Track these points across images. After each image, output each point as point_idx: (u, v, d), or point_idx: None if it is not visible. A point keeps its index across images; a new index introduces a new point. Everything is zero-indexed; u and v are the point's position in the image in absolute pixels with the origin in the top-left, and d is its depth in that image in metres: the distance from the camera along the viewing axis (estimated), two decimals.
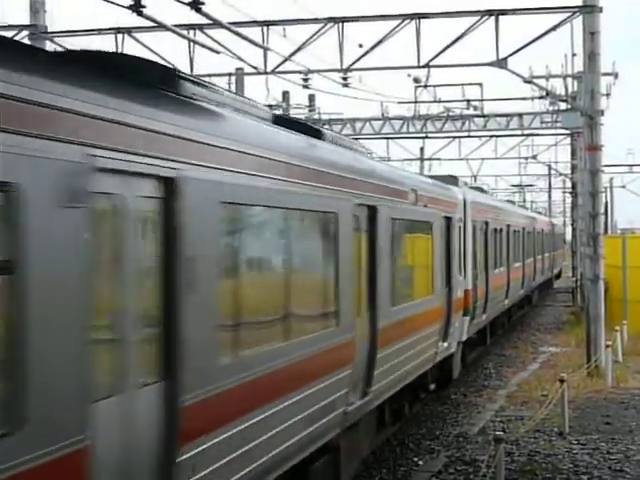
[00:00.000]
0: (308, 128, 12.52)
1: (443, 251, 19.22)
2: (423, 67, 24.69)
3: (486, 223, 27.51)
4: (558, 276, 72.76)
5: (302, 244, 10.56)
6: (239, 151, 8.57)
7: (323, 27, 23.73)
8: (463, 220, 22.66)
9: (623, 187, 70.69)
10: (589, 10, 23.22)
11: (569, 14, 23.29)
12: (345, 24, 23.81)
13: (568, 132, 45.04)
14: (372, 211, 13.29)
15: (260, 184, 8.96)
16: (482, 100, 38.76)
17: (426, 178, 21.72)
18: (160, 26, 19.74)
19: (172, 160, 7.30)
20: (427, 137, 43.41)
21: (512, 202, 51.44)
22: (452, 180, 24.10)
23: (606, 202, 58.25)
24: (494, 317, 30.30)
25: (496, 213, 30.54)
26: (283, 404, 9.52)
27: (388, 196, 14.16)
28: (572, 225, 53.56)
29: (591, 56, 23.65)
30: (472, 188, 30.87)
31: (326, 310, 11.25)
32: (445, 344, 19.41)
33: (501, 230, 31.35)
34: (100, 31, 23.57)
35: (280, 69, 24.78)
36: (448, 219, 19.90)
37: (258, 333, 9.12)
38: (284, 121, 11.61)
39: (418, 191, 16.51)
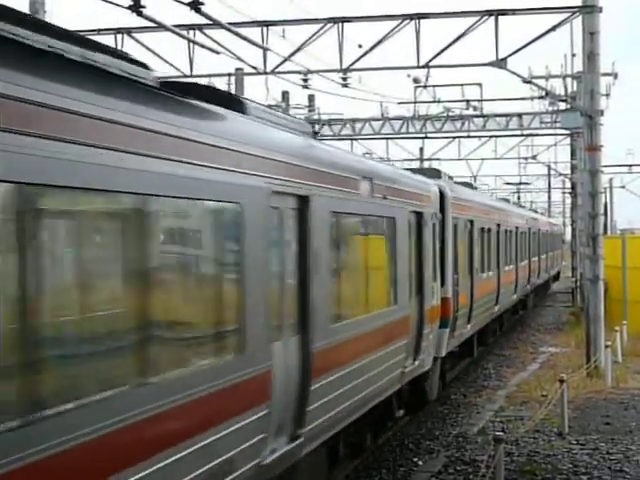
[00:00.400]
0: (222, 98, 9.99)
1: (411, 253, 16.40)
2: (423, 67, 24.68)
3: (471, 221, 24.75)
4: (556, 278, 70.62)
5: (172, 244, 7.84)
6: (36, 103, 5.85)
7: (323, 27, 23.73)
8: (441, 217, 19.95)
9: (623, 187, 70.70)
10: (589, 10, 23.23)
11: (569, 14, 23.29)
12: (345, 24, 23.81)
13: (568, 132, 45.02)
14: (302, 202, 10.52)
15: (84, 157, 6.24)
16: (482, 100, 38.79)
17: (387, 165, 18.72)
18: (160, 26, 19.71)
19: None
20: (427, 137, 43.36)
21: (507, 200, 48.30)
22: (435, 173, 22.26)
23: (606, 202, 58.28)
24: (483, 326, 27.76)
25: (484, 211, 27.80)
26: (140, 473, 6.77)
27: (328, 184, 11.42)
28: (572, 225, 53.58)
29: (590, 56, 23.65)
30: (459, 184, 28.05)
31: (218, 336, 8.28)
32: (416, 362, 16.61)
33: (489, 230, 28.61)
34: (100, 31, 23.58)
35: (280, 69, 24.77)
36: (419, 215, 17.06)
37: (73, 373, 6.21)
38: (179, 87, 9.27)
39: (374, 180, 13.76)
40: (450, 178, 25.65)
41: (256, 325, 8.97)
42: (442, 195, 20.31)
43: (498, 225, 30.92)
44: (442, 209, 20.14)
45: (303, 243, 10.53)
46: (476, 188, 33.69)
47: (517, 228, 37.52)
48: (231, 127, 9.15)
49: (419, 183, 17.83)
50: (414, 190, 16.87)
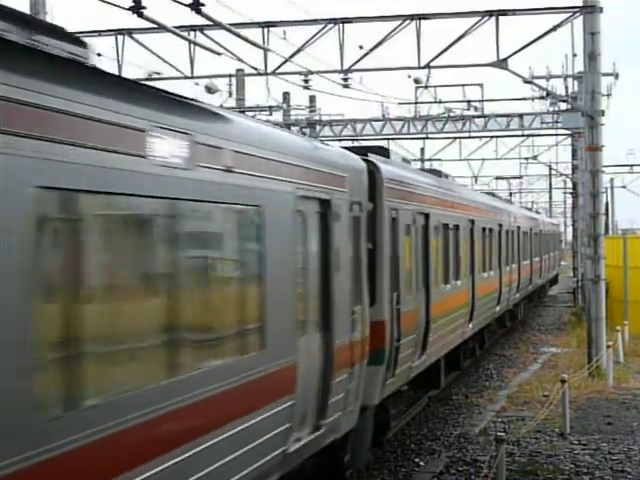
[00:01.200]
0: None
1: (307, 264, 10.80)
2: (423, 68, 24.71)
3: (425, 215, 18.50)
4: (554, 281, 65.90)
5: None
6: None
7: (323, 28, 23.74)
8: (371, 208, 14.26)
9: (624, 187, 70.74)
10: (589, 10, 23.24)
11: (569, 14, 23.31)
12: (345, 25, 23.82)
13: (569, 132, 45.07)
14: None
15: None
16: (482, 101, 38.86)
17: (241, 116, 11.04)
18: (161, 27, 19.72)
19: None
20: (428, 138, 43.48)
21: (493, 195, 41.71)
22: (382, 152, 16.89)
23: (607, 202, 58.28)
24: (450, 350, 21.49)
25: (448, 203, 21.36)
26: None
27: (32, 131, 5.71)
28: (573, 225, 53.55)
29: (591, 56, 23.67)
30: (427, 171, 22.64)
31: None
32: (320, 429, 11.14)
33: (456, 227, 22.31)
34: (100, 32, 23.60)
35: (280, 70, 24.77)
36: (323, 204, 11.32)
37: None
38: None
39: (199, 136, 8.02)
40: (406, 161, 20.45)
41: None
42: (374, 177, 14.61)
43: (472, 222, 24.79)
44: (369, 195, 13.99)
45: None
46: (447, 176, 25.82)
47: (501, 226, 31.39)
48: None
49: (323, 153, 11.83)
50: (309, 165, 10.85)
